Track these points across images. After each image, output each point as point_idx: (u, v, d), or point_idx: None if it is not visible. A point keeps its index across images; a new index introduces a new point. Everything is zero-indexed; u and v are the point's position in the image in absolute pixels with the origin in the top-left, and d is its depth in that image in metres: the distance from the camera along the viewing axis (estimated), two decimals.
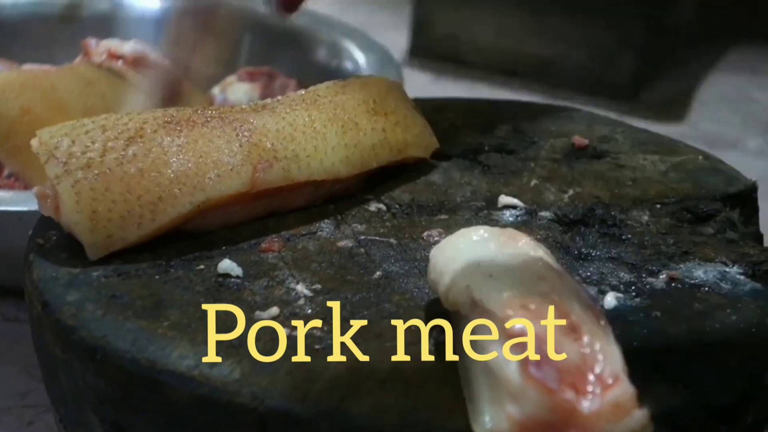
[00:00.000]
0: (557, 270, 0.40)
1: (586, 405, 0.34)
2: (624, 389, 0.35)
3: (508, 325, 0.36)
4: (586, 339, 0.36)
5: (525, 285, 0.38)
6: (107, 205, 0.45)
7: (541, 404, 0.34)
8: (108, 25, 0.92)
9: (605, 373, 0.35)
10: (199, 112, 0.49)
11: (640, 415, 0.35)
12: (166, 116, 0.48)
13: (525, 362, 0.35)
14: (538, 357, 0.35)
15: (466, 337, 0.39)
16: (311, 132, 0.50)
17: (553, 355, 0.35)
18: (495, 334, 0.36)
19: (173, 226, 0.47)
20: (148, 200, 0.46)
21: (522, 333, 0.35)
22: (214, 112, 0.50)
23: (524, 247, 0.41)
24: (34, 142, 0.47)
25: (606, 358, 0.35)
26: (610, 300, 0.44)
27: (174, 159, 0.47)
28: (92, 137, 0.46)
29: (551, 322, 0.36)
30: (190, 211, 0.47)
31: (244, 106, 0.51)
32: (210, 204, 0.47)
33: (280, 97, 0.53)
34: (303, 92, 0.53)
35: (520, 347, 0.35)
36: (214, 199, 0.47)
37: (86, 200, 0.45)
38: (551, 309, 0.36)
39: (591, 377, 0.35)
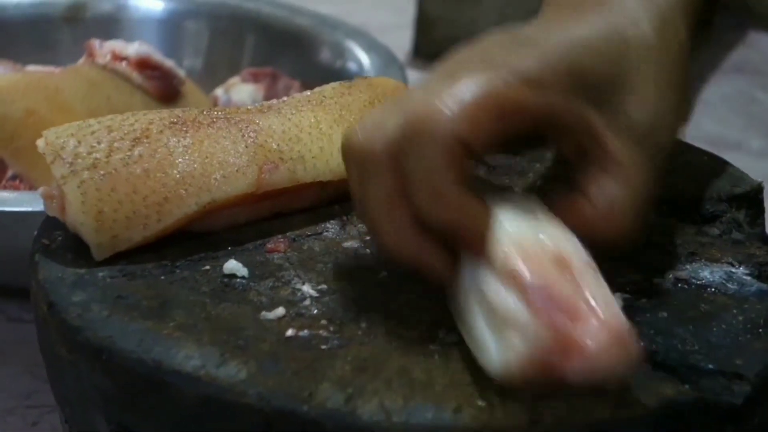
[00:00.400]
0: (550, 214, 0.42)
1: (589, 339, 0.36)
2: (623, 324, 0.37)
3: (509, 263, 0.38)
4: (578, 276, 0.38)
5: (522, 225, 0.40)
6: (113, 205, 0.45)
7: (546, 335, 0.36)
8: (112, 26, 0.92)
9: (604, 311, 0.37)
10: (204, 112, 0.49)
11: (638, 348, 0.37)
12: (172, 117, 0.48)
13: (528, 300, 0.37)
14: (541, 292, 0.37)
15: (470, 278, 0.40)
16: (317, 133, 0.50)
17: (555, 290, 0.37)
18: (498, 273, 0.38)
19: (179, 227, 0.47)
20: (153, 201, 0.46)
21: (523, 271, 0.37)
22: (219, 113, 0.50)
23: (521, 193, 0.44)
24: (40, 143, 0.47)
25: (602, 296, 0.37)
26: (617, 300, 0.44)
27: (180, 160, 0.47)
28: (98, 138, 0.46)
29: (548, 260, 0.38)
30: (195, 212, 0.47)
31: (249, 107, 0.51)
32: (216, 205, 0.47)
33: (285, 98, 0.53)
34: (309, 93, 0.53)
35: (522, 284, 0.37)
36: (219, 200, 0.47)
37: (92, 200, 0.45)
38: (547, 248, 0.38)
39: (591, 313, 0.37)
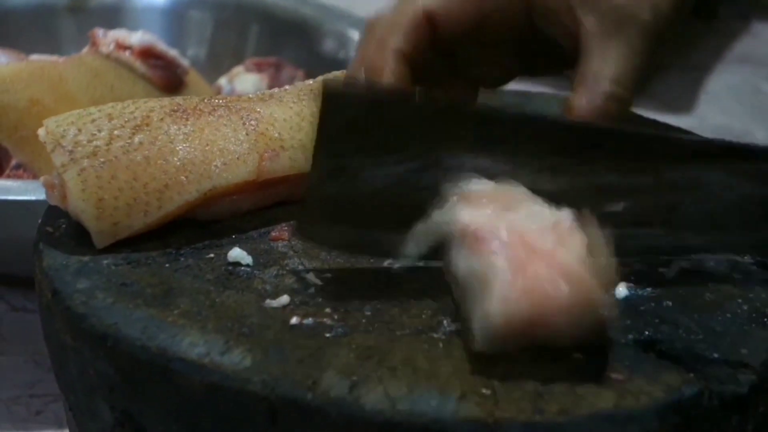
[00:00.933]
0: (523, 191, 0.43)
1: (560, 298, 0.37)
2: (587, 283, 0.38)
3: (470, 228, 0.39)
4: (524, 211, 0.39)
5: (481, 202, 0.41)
6: (113, 192, 0.45)
7: (523, 293, 0.38)
8: (116, 15, 0.91)
9: (570, 269, 0.38)
10: (205, 101, 0.49)
11: (605, 299, 0.38)
12: (173, 105, 0.48)
13: (495, 258, 0.38)
14: (504, 251, 0.38)
15: (455, 256, 0.41)
16: None
17: (517, 248, 0.38)
18: (466, 245, 0.39)
19: (180, 214, 0.47)
20: (154, 188, 0.46)
21: (472, 226, 0.39)
22: (221, 101, 0.50)
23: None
24: (41, 131, 0.47)
25: (568, 254, 0.38)
26: (622, 290, 0.44)
27: (180, 147, 0.47)
28: (98, 126, 0.46)
29: (491, 209, 0.40)
30: (196, 198, 0.47)
31: (251, 96, 0.51)
32: (216, 192, 0.47)
33: (287, 87, 0.53)
34: (311, 82, 0.53)
35: (487, 246, 0.39)
36: (220, 187, 0.47)
37: (92, 188, 0.45)
38: (488, 200, 0.40)
39: (558, 270, 0.38)
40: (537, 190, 0.43)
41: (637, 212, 0.44)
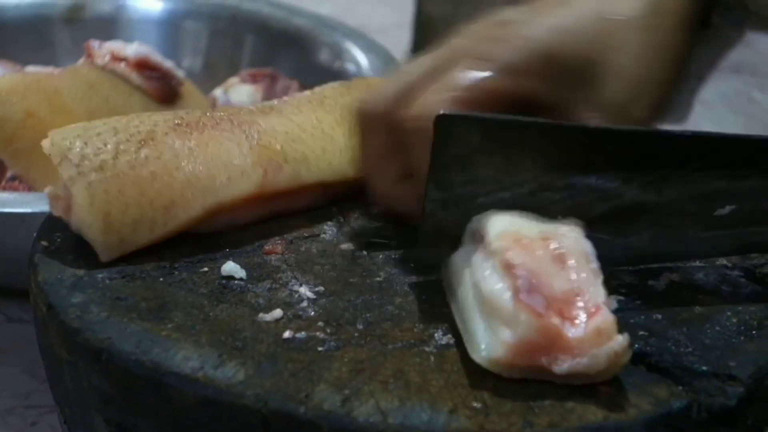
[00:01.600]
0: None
1: (571, 330, 0.38)
2: (605, 317, 0.38)
3: (504, 253, 0.39)
4: (572, 270, 0.39)
5: (522, 221, 0.42)
6: (120, 207, 0.45)
7: (530, 327, 0.38)
8: (111, 27, 0.92)
9: (589, 303, 0.38)
10: (208, 114, 0.49)
11: (620, 340, 0.38)
12: (176, 118, 0.48)
13: (516, 290, 0.38)
14: (531, 284, 0.38)
15: (466, 262, 0.42)
16: (319, 134, 0.50)
17: (541, 284, 0.38)
18: (494, 261, 0.40)
19: (183, 230, 0.47)
20: (160, 204, 0.46)
21: (516, 262, 0.39)
22: (223, 114, 0.50)
23: None
24: (45, 144, 0.47)
25: (590, 288, 0.39)
26: (612, 302, 0.44)
27: (185, 162, 0.47)
28: (104, 139, 0.46)
29: (544, 253, 0.39)
30: (201, 215, 0.47)
31: (252, 108, 0.51)
32: (221, 207, 0.47)
33: (286, 98, 0.53)
34: (308, 93, 0.53)
35: (514, 275, 0.39)
36: (225, 203, 0.47)
37: (100, 202, 0.45)
38: (543, 243, 0.40)
39: (576, 305, 0.38)
40: (643, 203, 0.43)
41: (744, 213, 0.45)
